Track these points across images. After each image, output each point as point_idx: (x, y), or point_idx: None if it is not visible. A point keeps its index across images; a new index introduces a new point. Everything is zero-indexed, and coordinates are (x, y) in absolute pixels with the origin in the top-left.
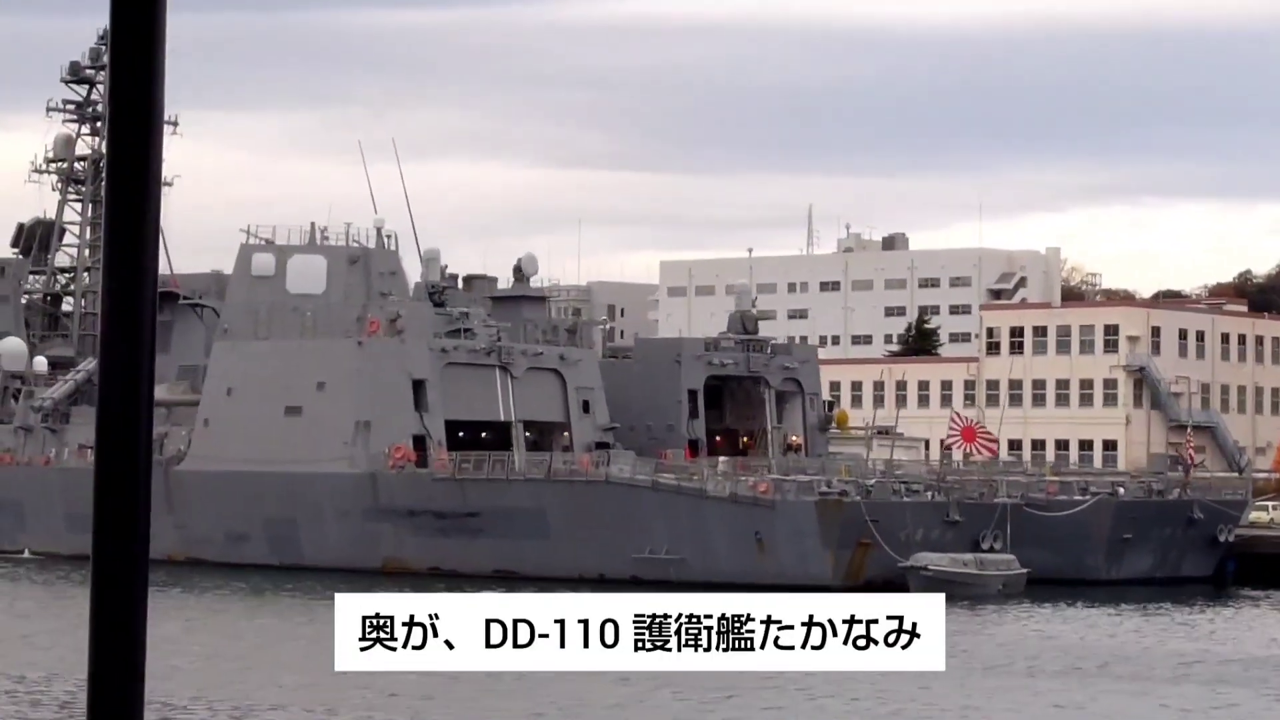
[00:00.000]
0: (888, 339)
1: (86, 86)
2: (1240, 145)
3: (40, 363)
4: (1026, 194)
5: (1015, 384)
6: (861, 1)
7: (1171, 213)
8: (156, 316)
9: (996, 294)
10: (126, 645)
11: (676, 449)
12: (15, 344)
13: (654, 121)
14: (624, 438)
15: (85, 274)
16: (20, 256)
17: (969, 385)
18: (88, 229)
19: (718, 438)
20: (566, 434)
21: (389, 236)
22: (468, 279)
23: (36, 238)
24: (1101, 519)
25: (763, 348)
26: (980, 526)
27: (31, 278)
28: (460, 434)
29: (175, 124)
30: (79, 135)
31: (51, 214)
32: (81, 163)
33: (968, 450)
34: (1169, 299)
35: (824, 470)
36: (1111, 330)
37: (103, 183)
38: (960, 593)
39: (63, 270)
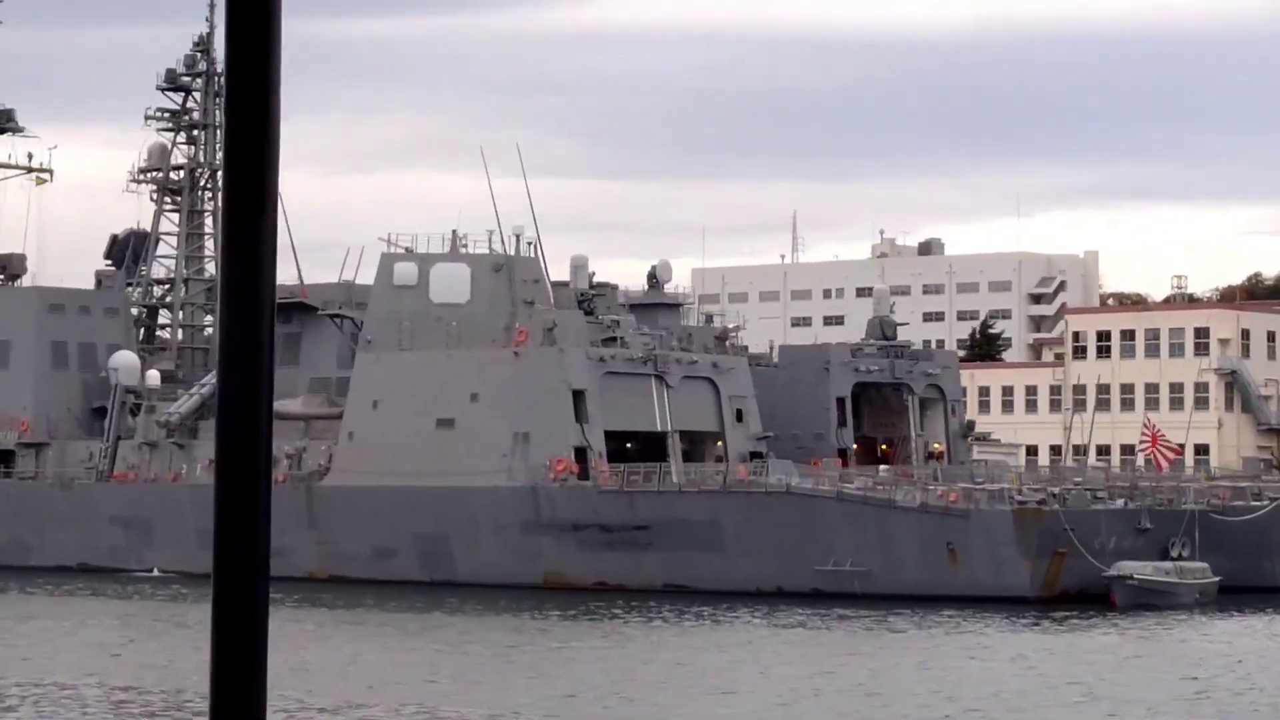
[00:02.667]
0: (926, 345)
1: (182, 95)
2: (1203, 147)
3: (153, 376)
4: (987, 198)
5: (1103, 388)
6: (838, 7)
7: (1140, 216)
8: (274, 329)
9: (1036, 298)
10: (248, 660)
11: (826, 458)
12: (129, 358)
13: (621, 128)
14: (772, 447)
15: (184, 285)
16: (114, 268)
17: (1054, 390)
18: (185, 240)
19: (854, 445)
20: (720, 443)
21: (530, 244)
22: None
23: (130, 249)
24: None
25: (904, 353)
26: (1168, 534)
27: (126, 290)
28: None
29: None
30: (175, 144)
31: (146, 225)
32: (178, 172)
33: (1154, 457)
34: (1190, 302)
35: (990, 479)
36: (1202, 333)
37: (199, 192)
38: (1160, 602)
39: (159, 282)
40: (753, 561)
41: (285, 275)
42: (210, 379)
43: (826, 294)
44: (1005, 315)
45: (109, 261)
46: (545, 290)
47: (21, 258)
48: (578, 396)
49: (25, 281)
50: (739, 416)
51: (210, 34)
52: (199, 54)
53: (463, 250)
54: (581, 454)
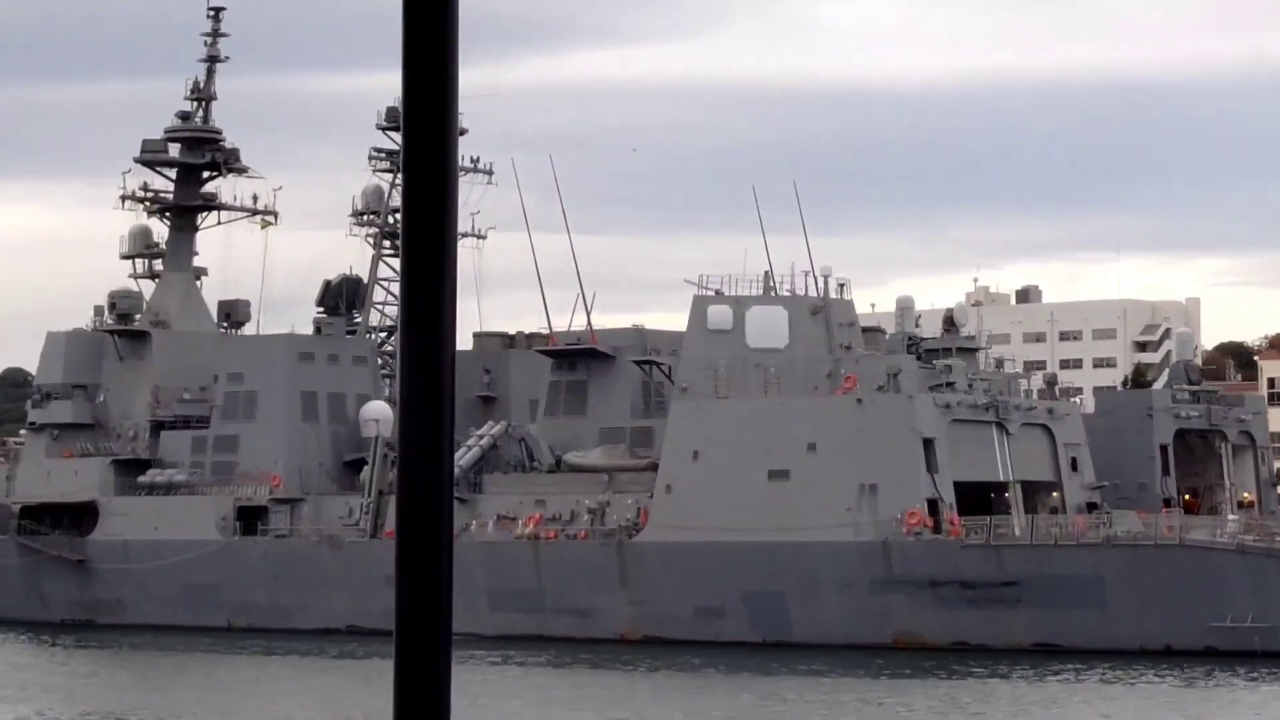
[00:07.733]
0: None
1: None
2: (1172, 200)
3: None
4: (954, 250)
5: None
6: (827, 62)
7: (1113, 267)
8: (454, 374)
9: (1142, 346)
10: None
11: (1151, 508)
12: (384, 409)
13: (598, 183)
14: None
15: None
16: (326, 315)
17: None
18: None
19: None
20: (1055, 494)
21: (842, 285)
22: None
23: (344, 295)
24: None
25: (1216, 399)
26: None
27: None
28: None
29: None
30: (394, 185)
31: (360, 270)
32: (395, 215)
33: None
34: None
35: None
36: None
37: None
38: None
39: (375, 329)
40: (1139, 618)
41: (576, 321)
42: (488, 430)
43: None
44: (1110, 364)
45: (321, 309)
46: (858, 334)
47: (246, 304)
48: (927, 445)
49: (249, 329)
50: (1074, 465)
51: None
52: None
53: (773, 293)
54: (932, 506)
